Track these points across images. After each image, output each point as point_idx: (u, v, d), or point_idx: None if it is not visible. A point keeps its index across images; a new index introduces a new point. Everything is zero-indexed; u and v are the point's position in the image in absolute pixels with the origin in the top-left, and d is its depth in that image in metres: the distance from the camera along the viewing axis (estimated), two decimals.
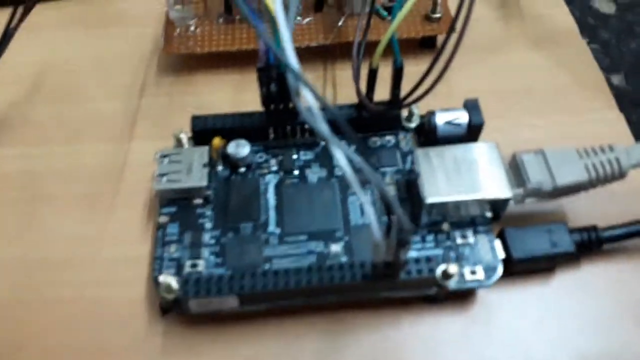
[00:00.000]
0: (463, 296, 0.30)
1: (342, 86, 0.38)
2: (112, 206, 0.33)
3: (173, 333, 0.29)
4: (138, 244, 0.31)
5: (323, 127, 0.21)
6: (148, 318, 0.29)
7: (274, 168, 0.32)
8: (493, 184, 0.28)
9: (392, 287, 0.27)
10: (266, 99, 0.29)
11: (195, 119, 0.32)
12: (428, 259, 0.26)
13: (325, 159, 0.32)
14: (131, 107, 0.38)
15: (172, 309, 0.28)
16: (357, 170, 0.21)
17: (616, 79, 0.40)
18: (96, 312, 0.29)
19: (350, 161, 0.21)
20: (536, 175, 0.28)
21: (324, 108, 0.22)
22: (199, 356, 0.28)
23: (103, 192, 0.34)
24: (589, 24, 0.44)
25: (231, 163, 0.31)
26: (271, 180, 0.31)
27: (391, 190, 0.31)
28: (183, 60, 0.39)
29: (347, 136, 0.22)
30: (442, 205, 0.28)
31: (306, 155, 0.32)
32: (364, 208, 0.22)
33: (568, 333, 0.28)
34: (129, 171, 0.35)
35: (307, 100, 0.22)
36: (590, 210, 0.32)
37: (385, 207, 0.22)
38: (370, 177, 0.21)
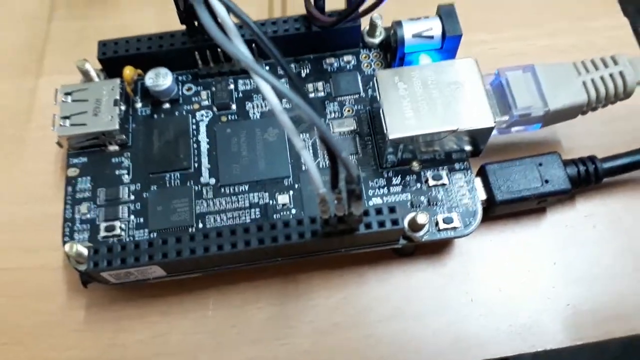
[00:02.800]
0: (438, 247, 0.25)
1: None
2: (19, 157, 0.28)
3: (97, 306, 0.25)
4: (52, 201, 0.26)
5: (239, 50, 0.16)
6: (69, 289, 0.25)
7: (206, 102, 0.26)
8: (472, 112, 0.22)
9: (350, 243, 0.23)
10: (184, 13, 0.23)
11: (102, 45, 0.25)
12: (391, 209, 0.21)
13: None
14: (37, 35, 0.31)
15: (93, 280, 0.23)
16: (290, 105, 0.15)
17: None
18: (10, 283, 0.25)
19: (281, 94, 0.16)
20: (524, 98, 0.23)
21: (243, 24, 0.16)
22: (126, 331, 0.24)
23: (7, 141, 0.28)
24: None
25: (152, 98, 0.26)
26: (203, 118, 0.25)
27: (351, 124, 0.25)
28: None
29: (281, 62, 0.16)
30: (409, 141, 0.22)
31: (246, 85, 0.26)
32: (301, 155, 0.17)
33: (560, 284, 0.24)
34: (37, 114, 0.29)
35: (217, 12, 0.16)
36: (589, 137, 0.27)
37: (327, 153, 0.17)
38: (306, 114, 0.16)
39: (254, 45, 0.25)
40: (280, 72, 0.27)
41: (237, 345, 0.23)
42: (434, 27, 0.24)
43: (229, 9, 0.16)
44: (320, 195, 0.18)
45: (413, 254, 0.25)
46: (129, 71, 0.24)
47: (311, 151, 0.25)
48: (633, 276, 0.24)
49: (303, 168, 0.24)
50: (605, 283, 0.24)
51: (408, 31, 0.24)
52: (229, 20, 0.16)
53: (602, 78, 0.23)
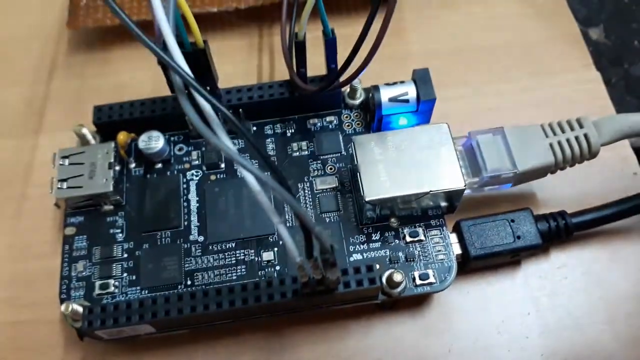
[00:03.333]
0: (418, 300, 0.26)
1: (280, 55, 0.33)
2: (18, 214, 0.29)
3: (92, 359, 0.26)
4: (51, 257, 0.27)
5: (222, 142, 0.17)
6: (66, 342, 0.26)
7: (196, 162, 0.27)
8: (443, 174, 0.24)
9: (331, 301, 0.24)
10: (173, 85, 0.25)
11: (98, 110, 0.27)
12: (369, 267, 0.23)
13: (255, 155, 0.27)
14: (37, 94, 0.33)
15: (89, 334, 0.25)
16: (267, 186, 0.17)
17: (594, 33, 0.35)
18: (9, 337, 0.26)
19: (259, 180, 0.17)
20: (494, 161, 0.24)
21: (225, 118, 0.17)
22: None
23: (6, 197, 0.29)
24: None
25: (145, 159, 0.27)
26: (193, 177, 0.27)
27: (333, 182, 0.27)
28: (96, 35, 0.34)
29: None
30: (386, 202, 0.24)
31: (234, 146, 0.28)
32: (277, 230, 0.18)
33: (534, 334, 0.25)
34: (37, 171, 0.30)
35: (201, 105, 0.18)
36: (560, 189, 0.28)
37: (302, 228, 0.18)
38: (281, 196, 0.17)
39: (240, 110, 0.27)
40: (268, 131, 0.28)
41: None
42: (409, 92, 0.26)
43: (209, 102, 0.17)
44: (297, 263, 0.19)
45: (394, 307, 0.26)
46: (122, 136, 0.26)
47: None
48: (605, 327, 0.25)
49: (287, 225, 0.26)
50: (578, 333, 0.25)
51: (385, 95, 0.26)
52: (212, 113, 0.18)
53: (568, 140, 0.25)
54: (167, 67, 0.23)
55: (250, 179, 0.17)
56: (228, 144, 0.17)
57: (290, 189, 0.17)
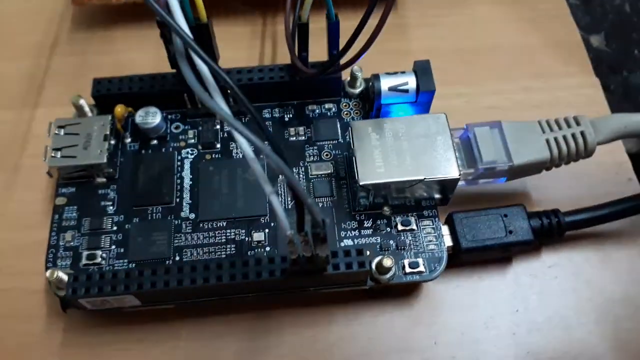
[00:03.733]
0: (407, 289, 0.26)
1: (282, 43, 0.33)
2: (11, 184, 0.29)
3: (74, 330, 0.25)
4: (39, 228, 0.27)
5: (217, 104, 0.17)
6: (48, 312, 0.26)
7: (192, 141, 0.27)
8: (439, 163, 0.24)
9: (319, 283, 0.24)
10: (174, 58, 0.25)
11: (97, 83, 0.27)
12: (359, 251, 0.23)
13: (255, 131, 0.27)
14: (38, 68, 0.33)
15: (72, 304, 0.24)
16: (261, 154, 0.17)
17: (595, 40, 0.36)
18: None
19: (256, 146, 0.17)
20: (490, 153, 0.24)
21: (222, 81, 0.17)
22: (101, 357, 0.25)
23: (1, 168, 0.29)
24: None
25: (141, 134, 0.27)
26: (188, 155, 0.27)
27: (328, 168, 0.27)
28: (100, 13, 0.34)
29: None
30: (380, 187, 0.24)
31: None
32: (269, 200, 0.18)
33: (522, 332, 0.25)
34: (32, 143, 0.30)
35: (199, 67, 0.18)
36: (554, 190, 0.28)
37: (294, 199, 0.18)
38: (275, 164, 0.17)
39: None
40: (266, 115, 0.28)
41: None
42: (409, 82, 0.26)
43: (207, 64, 0.17)
44: (287, 237, 0.19)
45: (382, 295, 0.26)
46: (120, 109, 0.26)
47: (282, 196, 0.26)
48: (593, 328, 0.25)
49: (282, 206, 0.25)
50: (565, 333, 0.25)
51: (384, 84, 0.26)
52: (209, 76, 0.18)
53: (564, 137, 0.25)
54: (168, 40, 0.23)
55: (245, 144, 0.17)
56: (224, 107, 0.17)
57: (286, 159, 0.17)
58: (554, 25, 0.34)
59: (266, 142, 0.17)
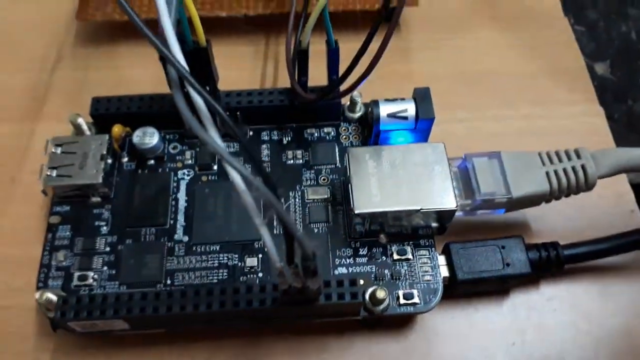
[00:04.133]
0: (402, 320, 0.26)
1: (284, 65, 0.33)
2: (7, 198, 0.29)
3: (63, 351, 0.25)
4: (33, 245, 0.27)
5: (208, 135, 0.17)
6: (38, 331, 0.26)
7: (189, 162, 0.27)
8: (436, 193, 0.23)
9: (311, 313, 0.23)
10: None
11: (96, 102, 0.27)
12: (352, 282, 0.22)
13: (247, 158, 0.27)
14: (41, 82, 0.33)
15: (62, 326, 0.24)
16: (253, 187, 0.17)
17: (600, 68, 0.35)
18: None
19: (247, 181, 0.17)
20: (488, 184, 0.24)
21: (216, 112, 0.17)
22: None
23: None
24: (576, 0, 0.39)
25: (138, 154, 0.27)
26: (184, 176, 0.27)
27: (324, 192, 0.26)
28: (103, 28, 0.34)
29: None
30: (375, 216, 0.23)
31: (229, 148, 0.28)
32: (259, 232, 0.18)
33: None
34: (31, 158, 0.30)
35: (194, 99, 0.18)
36: (555, 221, 0.28)
37: (284, 232, 0.18)
38: (265, 197, 0.17)
39: (238, 112, 0.27)
40: (264, 137, 0.28)
41: None
42: (409, 109, 0.25)
43: (203, 98, 0.17)
44: (277, 269, 0.19)
45: (376, 326, 0.25)
46: (117, 129, 0.26)
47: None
48: None
49: (274, 232, 0.25)
50: None
51: (384, 111, 0.26)
52: (203, 107, 0.17)
53: (564, 170, 0.24)
54: (166, 63, 0.23)
55: (236, 177, 0.17)
56: (216, 140, 0.17)
57: (276, 191, 0.17)
58: (558, 52, 0.34)
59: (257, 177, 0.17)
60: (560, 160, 0.24)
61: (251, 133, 0.28)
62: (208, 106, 0.17)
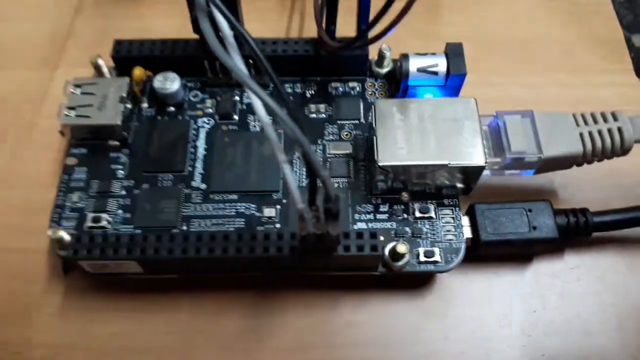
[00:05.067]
0: (419, 280, 0.25)
1: (310, 19, 0.32)
2: (25, 142, 0.28)
3: (73, 294, 0.25)
4: (50, 189, 0.26)
5: (234, 63, 0.16)
6: (50, 274, 0.25)
7: (210, 110, 0.26)
8: (464, 149, 0.22)
9: (328, 264, 0.23)
10: (197, 21, 0.24)
11: (117, 44, 0.26)
12: (372, 235, 0.21)
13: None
14: (61, 29, 0.32)
15: (73, 266, 0.24)
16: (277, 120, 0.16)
17: (638, 40, 0.34)
18: None
19: (269, 109, 0.16)
20: (519, 142, 0.23)
21: (242, 39, 0.16)
22: (99, 322, 0.24)
23: (16, 125, 0.29)
24: None
25: (158, 100, 0.26)
26: (204, 124, 0.26)
27: (347, 148, 0.26)
28: None
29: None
30: (400, 170, 0.23)
31: (250, 99, 0.27)
32: (282, 168, 0.17)
33: (538, 334, 0.24)
34: (49, 103, 0.30)
35: (220, 26, 0.17)
36: (583, 188, 0.27)
37: (307, 170, 0.17)
38: (290, 130, 0.16)
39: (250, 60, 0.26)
40: (287, 89, 0.27)
41: (204, 351, 0.23)
42: (440, 64, 0.25)
43: (228, 21, 0.16)
44: (298, 210, 0.18)
45: (393, 284, 0.25)
46: (138, 71, 0.25)
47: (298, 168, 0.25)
48: (613, 335, 0.24)
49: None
50: (584, 338, 0.24)
51: (413, 65, 0.25)
52: (229, 35, 0.17)
53: (599, 132, 0.23)
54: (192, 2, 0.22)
55: (260, 108, 0.16)
56: (241, 67, 0.16)
57: (302, 126, 0.16)
58: (596, 21, 0.33)
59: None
60: (595, 122, 0.23)
61: (272, 86, 0.27)
62: (234, 31, 0.17)
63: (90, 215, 0.24)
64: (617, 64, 0.31)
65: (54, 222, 0.24)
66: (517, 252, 0.25)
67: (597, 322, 0.24)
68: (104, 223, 0.24)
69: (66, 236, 0.22)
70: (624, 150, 0.23)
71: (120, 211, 0.24)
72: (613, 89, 0.30)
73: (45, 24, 0.32)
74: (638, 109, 0.29)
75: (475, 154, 0.22)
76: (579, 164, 0.24)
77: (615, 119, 0.23)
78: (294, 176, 0.17)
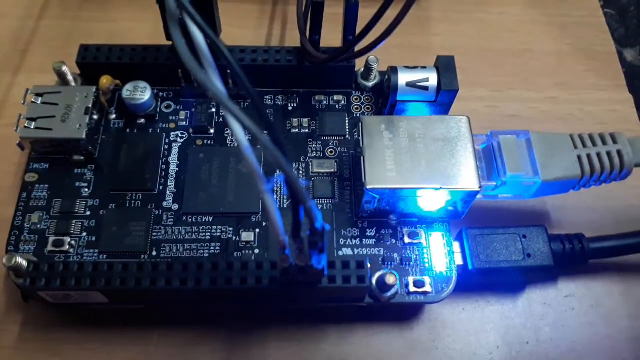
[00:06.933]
0: (407, 309, 0.23)
1: (293, 26, 0.30)
2: None
3: (34, 325, 0.23)
4: (6, 204, 0.24)
5: (208, 79, 0.14)
6: (8, 301, 0.23)
7: (183, 123, 0.24)
8: (457, 172, 0.21)
9: (311, 296, 0.21)
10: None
11: (84, 50, 0.24)
12: (359, 264, 0.20)
13: (254, 118, 0.25)
14: (24, 31, 0.30)
15: (33, 296, 0.22)
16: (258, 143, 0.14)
17: (630, 54, 0.33)
18: None
19: (252, 134, 0.14)
20: (515, 165, 0.21)
21: (216, 49, 0.15)
22: (61, 356, 0.22)
23: None
24: None
25: (127, 111, 0.24)
26: (177, 139, 0.24)
27: (331, 166, 0.24)
28: None
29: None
30: (387, 193, 0.21)
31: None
32: (263, 198, 0.15)
33: None
34: (9, 111, 0.27)
35: (194, 36, 0.15)
36: (577, 212, 0.26)
37: (292, 199, 0.15)
38: (273, 156, 0.14)
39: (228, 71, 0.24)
40: (268, 102, 0.25)
41: None
42: (430, 78, 0.23)
43: (203, 31, 0.14)
44: (280, 243, 0.17)
45: (380, 315, 0.23)
46: (105, 80, 0.23)
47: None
48: None
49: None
50: None
51: (402, 79, 0.23)
52: (204, 46, 0.15)
53: (598, 154, 0.22)
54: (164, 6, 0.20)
55: (238, 131, 0.15)
56: (217, 83, 0.14)
57: (285, 150, 0.15)
58: (588, 34, 0.32)
59: (265, 132, 0.15)
60: (594, 144, 0.22)
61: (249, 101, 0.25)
62: (209, 44, 0.15)
63: (52, 238, 0.22)
64: (609, 80, 0.30)
65: (11, 245, 0.22)
66: (509, 280, 0.23)
67: (591, 355, 0.23)
68: (66, 247, 0.22)
69: (24, 263, 0.20)
70: (623, 175, 0.22)
71: (84, 234, 0.22)
72: (605, 105, 0.29)
73: (7, 21, 0.30)
74: (631, 127, 0.28)
75: (469, 178, 0.21)
76: (576, 189, 0.23)
77: (614, 141, 0.22)
78: (275, 205, 0.16)
